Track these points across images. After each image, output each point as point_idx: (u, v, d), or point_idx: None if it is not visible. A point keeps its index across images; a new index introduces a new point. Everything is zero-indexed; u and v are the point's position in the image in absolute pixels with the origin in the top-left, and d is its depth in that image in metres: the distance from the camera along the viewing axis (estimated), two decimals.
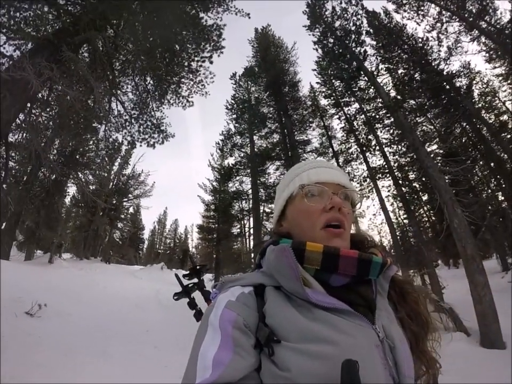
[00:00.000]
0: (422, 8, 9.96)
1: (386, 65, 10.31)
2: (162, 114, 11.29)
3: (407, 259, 10.75)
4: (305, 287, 0.64)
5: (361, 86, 12.47)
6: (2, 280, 8.48)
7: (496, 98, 13.38)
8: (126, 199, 24.74)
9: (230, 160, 19.30)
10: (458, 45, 9.21)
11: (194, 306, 1.68)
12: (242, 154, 18.33)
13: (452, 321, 6.67)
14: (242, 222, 22.60)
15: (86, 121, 10.21)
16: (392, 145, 12.35)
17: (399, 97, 9.57)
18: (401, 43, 9.90)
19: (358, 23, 10.89)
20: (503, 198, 11.89)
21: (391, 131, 12.14)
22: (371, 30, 11.00)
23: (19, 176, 11.99)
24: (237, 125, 18.43)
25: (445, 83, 8.26)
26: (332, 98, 14.75)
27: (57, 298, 8.45)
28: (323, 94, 15.32)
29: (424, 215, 12.43)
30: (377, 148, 12.98)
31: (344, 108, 14.37)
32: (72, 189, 20.10)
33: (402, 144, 11.68)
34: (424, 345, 0.73)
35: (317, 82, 15.39)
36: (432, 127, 11.25)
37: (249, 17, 10.94)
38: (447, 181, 8.87)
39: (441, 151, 10.77)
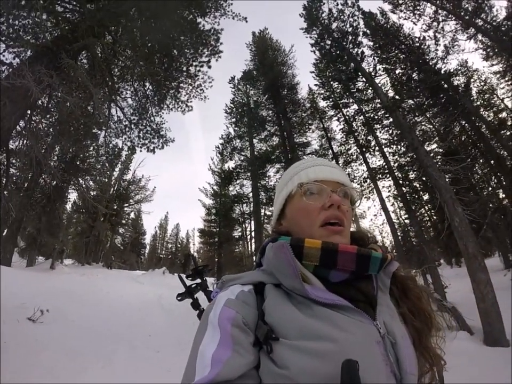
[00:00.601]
0: (418, 7, 10.01)
1: (384, 66, 10.34)
2: (161, 119, 11.37)
3: (409, 259, 10.73)
4: (305, 284, 0.64)
5: (360, 87, 12.50)
6: (4, 287, 8.50)
7: (495, 95, 13.39)
8: (127, 204, 24.77)
9: (230, 164, 19.28)
10: (455, 43, 9.27)
11: (198, 306, 1.69)
12: (242, 158, 18.29)
13: (455, 320, 6.64)
14: (243, 225, 22.62)
15: (86, 128, 10.27)
16: (392, 146, 12.35)
17: (397, 97, 9.59)
18: (398, 43, 9.95)
19: (354, 25, 10.94)
20: (504, 195, 11.87)
21: (390, 131, 12.15)
22: (368, 31, 11.05)
23: (20, 183, 12.02)
24: (236, 128, 18.43)
25: (442, 82, 8.27)
26: (330, 100, 14.75)
27: (59, 304, 8.42)
28: (322, 96, 15.30)
29: (425, 215, 12.42)
30: (377, 148, 12.98)
31: (343, 109, 14.37)
32: (73, 195, 20.16)
33: (402, 144, 11.67)
34: (428, 342, 0.73)
35: (315, 84, 15.39)
36: (431, 126, 11.27)
37: (246, 21, 11.00)
38: (447, 179, 8.88)
39: (440, 150, 10.79)
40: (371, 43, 11.22)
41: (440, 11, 9.86)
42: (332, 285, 0.67)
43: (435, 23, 9.50)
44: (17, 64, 6.53)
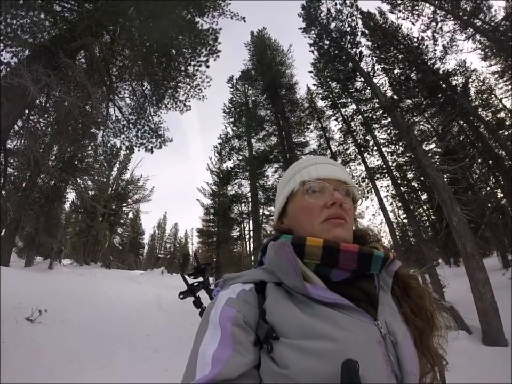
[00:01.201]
0: (417, 7, 10.02)
1: (382, 66, 10.35)
2: (160, 119, 11.37)
3: (407, 258, 10.74)
4: (306, 282, 0.63)
5: (358, 87, 12.52)
6: (2, 287, 8.47)
7: (493, 95, 13.43)
8: (125, 204, 24.74)
9: (229, 164, 19.30)
10: (453, 43, 9.28)
11: (200, 305, 1.69)
12: (240, 158, 18.32)
13: (453, 319, 6.65)
14: (242, 225, 22.63)
15: (84, 127, 10.24)
16: (390, 145, 12.38)
17: (395, 97, 9.61)
18: (396, 43, 9.96)
19: (353, 24, 10.94)
20: (502, 195, 11.87)
21: (389, 131, 12.19)
22: (366, 31, 11.05)
23: (18, 183, 11.97)
24: (234, 128, 18.43)
25: (441, 82, 8.29)
26: (328, 99, 14.79)
27: (57, 304, 8.40)
28: (320, 96, 15.37)
29: (424, 214, 12.43)
30: (375, 148, 13.01)
31: (341, 109, 14.42)
32: (71, 195, 20.05)
33: (400, 144, 11.70)
34: (429, 341, 0.72)
35: (314, 84, 15.45)
36: (429, 126, 11.28)
37: (245, 21, 11.00)
38: (445, 179, 8.89)
39: (439, 150, 10.80)
40: (369, 43, 11.24)
41: (438, 11, 9.88)
42: (333, 284, 0.66)
43: (433, 23, 9.53)
44: (15, 64, 6.51)
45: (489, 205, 10.66)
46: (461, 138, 11.43)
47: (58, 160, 13.84)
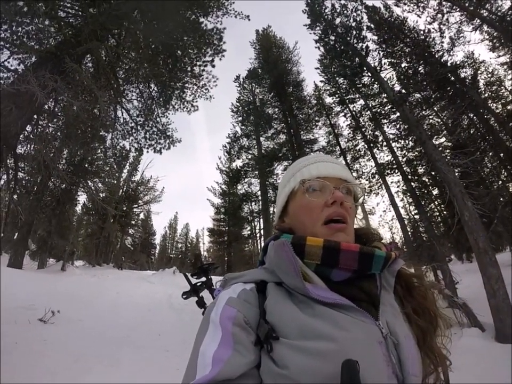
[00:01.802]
0: (422, 0, 9.84)
1: (389, 60, 10.20)
2: (167, 120, 11.42)
3: (419, 255, 10.59)
4: (306, 282, 0.63)
5: (365, 82, 12.37)
6: (16, 289, 8.67)
7: (502, 87, 13.09)
8: (136, 205, 24.96)
9: (238, 163, 19.36)
10: (460, 35, 9.07)
11: (203, 304, 1.69)
12: (249, 156, 18.36)
13: (466, 316, 6.54)
14: (252, 223, 22.66)
15: (93, 130, 10.37)
16: (400, 140, 12.21)
17: (403, 91, 9.46)
18: (403, 36, 9.79)
19: (358, 19, 10.80)
20: None
21: (398, 126, 12.02)
22: (372, 25, 10.89)
23: (29, 187, 12.23)
24: (243, 127, 18.50)
25: (449, 74, 8.12)
26: (336, 96, 14.67)
27: (70, 305, 8.54)
28: (327, 92, 15.25)
29: (435, 210, 12.22)
30: (385, 143, 12.86)
31: (349, 105, 14.28)
32: (82, 197, 20.48)
33: (410, 139, 11.53)
34: (432, 341, 0.71)
35: (321, 81, 15.31)
36: (439, 119, 11.07)
37: (249, 20, 10.99)
38: (456, 173, 8.73)
39: (449, 144, 10.61)
40: (375, 37, 11.07)
41: (444, 2, 9.65)
42: (334, 283, 0.66)
43: (439, 15, 9.32)
44: (22, 70, 6.63)
45: (501, 199, 10.40)
46: (471, 132, 11.18)
47: (69, 164, 14.09)
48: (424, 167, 11.37)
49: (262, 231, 19.99)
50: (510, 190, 11.71)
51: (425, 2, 9.55)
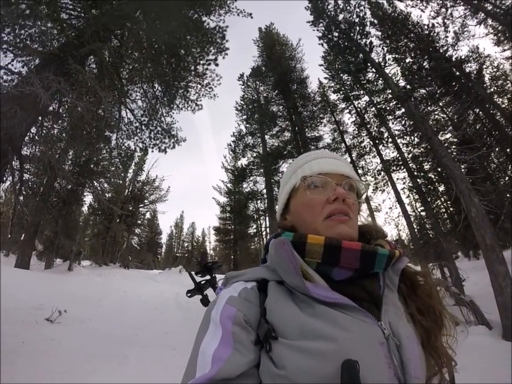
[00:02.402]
0: None
1: (393, 55, 10.09)
2: (172, 119, 11.45)
3: (425, 252, 10.52)
4: (306, 281, 0.62)
5: (370, 78, 12.28)
6: (23, 289, 8.78)
7: (508, 81, 12.87)
8: (142, 205, 25.07)
9: (243, 161, 19.36)
10: (464, 29, 8.88)
11: (207, 302, 1.69)
12: (254, 155, 18.37)
13: (473, 314, 6.47)
14: (258, 221, 22.69)
15: (97, 131, 10.40)
16: (405, 136, 12.13)
17: (408, 87, 9.37)
18: (407, 32, 9.66)
19: (361, 15, 10.69)
20: None
21: (403, 122, 11.93)
22: (375, 21, 10.77)
23: (36, 188, 12.35)
24: (247, 125, 18.51)
25: (454, 69, 8.01)
26: (341, 92, 14.62)
27: (77, 304, 8.64)
28: (332, 89, 15.21)
29: (442, 206, 12.09)
30: (390, 140, 12.79)
31: (354, 101, 14.23)
32: (88, 198, 20.61)
33: (415, 135, 11.43)
34: (437, 341, 0.69)
35: (325, 78, 15.27)
36: (444, 115, 10.95)
37: (252, 17, 10.98)
38: (462, 169, 8.62)
39: (455, 140, 10.50)
40: (379, 33, 10.96)
41: None
42: (335, 282, 0.65)
43: (443, 9, 9.14)
44: (25, 73, 6.68)
45: (508, 195, 10.25)
46: (477, 127, 11.01)
47: (75, 164, 14.18)
48: (430, 163, 11.27)
49: (267, 229, 20.01)
50: None
51: None
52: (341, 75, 13.72)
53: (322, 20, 12.21)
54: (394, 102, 11.42)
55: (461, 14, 8.93)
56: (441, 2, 8.89)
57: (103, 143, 12.13)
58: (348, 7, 10.97)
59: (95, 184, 15.23)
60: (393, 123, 12.46)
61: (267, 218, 20.22)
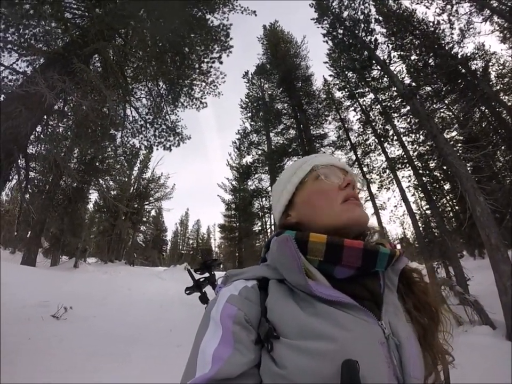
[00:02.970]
0: None
1: (398, 53, 9.98)
2: (177, 117, 11.44)
3: (430, 250, 10.45)
4: (308, 279, 0.62)
5: (375, 76, 12.20)
6: (29, 286, 8.89)
7: None
8: (147, 202, 25.24)
9: (248, 159, 19.36)
10: (470, 26, 8.72)
11: (206, 300, 1.70)
12: (259, 152, 18.36)
13: (477, 314, 6.44)
14: (263, 219, 22.71)
15: (102, 129, 10.44)
16: (410, 134, 12.05)
17: (413, 84, 9.29)
18: (412, 29, 9.55)
19: (366, 12, 10.55)
20: None
21: (408, 120, 11.84)
22: (380, 18, 10.64)
23: (41, 186, 12.45)
24: (252, 123, 18.47)
25: (460, 67, 7.91)
26: (346, 90, 14.54)
27: (82, 301, 8.73)
28: (337, 87, 15.12)
29: (447, 205, 11.98)
30: (395, 137, 12.70)
31: (359, 99, 14.15)
32: (94, 195, 20.74)
33: (421, 133, 11.34)
34: (434, 338, 0.71)
35: (330, 75, 15.17)
36: (450, 113, 10.82)
37: (256, 15, 10.95)
38: (468, 168, 8.54)
39: (461, 138, 10.39)
40: (384, 30, 10.83)
41: None
42: (337, 281, 0.65)
43: (449, 6, 8.99)
44: (30, 72, 6.73)
45: None
46: (483, 125, 10.88)
47: (80, 162, 14.26)
48: (435, 161, 11.18)
49: (272, 227, 20.03)
50: None
51: None
52: (346, 72, 13.66)
53: (326, 17, 12.13)
54: (399, 100, 11.33)
55: (466, 11, 8.79)
56: None
57: (108, 141, 12.19)
58: (353, 4, 10.87)
59: (101, 181, 15.37)
60: (398, 121, 12.38)
61: (272, 216, 20.23)
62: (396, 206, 13.07)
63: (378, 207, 13.80)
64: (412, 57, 9.41)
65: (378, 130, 13.68)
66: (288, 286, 0.66)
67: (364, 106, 14.21)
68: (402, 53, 9.78)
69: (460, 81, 8.15)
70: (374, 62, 11.04)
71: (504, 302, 6.00)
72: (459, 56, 7.91)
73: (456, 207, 12.22)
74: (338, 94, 15.84)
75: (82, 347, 5.76)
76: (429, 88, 9.64)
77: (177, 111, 11.43)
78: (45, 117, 7.82)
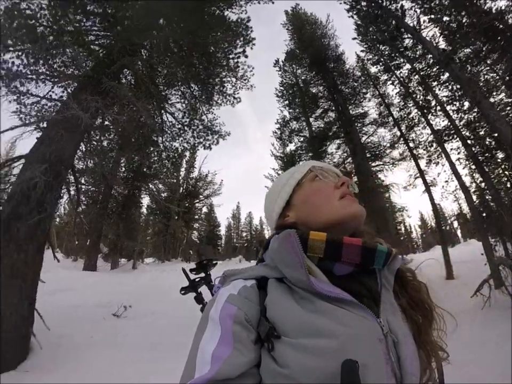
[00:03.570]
0: None
1: (428, 17, 9.16)
2: (214, 116, 11.61)
3: (486, 227, 9.64)
4: (310, 276, 0.63)
5: (407, 45, 11.36)
6: (92, 289, 9.74)
7: None
8: (197, 201, 26.13)
9: (291, 147, 19.14)
10: None
11: (201, 300, 1.74)
12: (301, 139, 18.05)
13: None
14: None
15: (144, 137, 10.90)
16: (454, 102, 11.08)
17: (449, 48, 8.53)
18: None
19: None
20: None
21: (450, 87, 10.90)
22: None
23: (95, 197, 13.52)
24: (290, 110, 18.14)
25: (496, 23, 7.09)
26: (380, 64, 13.72)
27: (141, 299, 9.26)
28: (371, 62, 14.31)
29: (503, 175, 10.85)
30: (439, 107, 11.80)
31: (395, 71, 13.27)
32: (145, 200, 21.97)
33: (465, 99, 10.40)
34: (428, 335, 0.72)
35: (362, 51, 14.33)
36: (494, 74, 9.73)
37: (273, 3, 10.73)
38: None
39: (509, 100, 9.33)
40: None
41: None
42: (336, 278, 0.66)
43: None
44: (65, 97, 7.31)
45: None
46: None
47: (128, 171, 15.17)
48: (484, 129, 10.20)
49: None
50: None
51: None
52: (378, 46, 12.86)
53: None
54: (437, 67, 10.45)
55: None
56: None
57: (152, 146, 12.76)
58: None
59: (150, 186, 16.20)
60: (440, 89, 11.43)
61: None
62: (446, 181, 12.17)
63: (429, 184, 12.96)
64: (444, 19, 8.59)
65: (420, 102, 12.78)
66: (287, 285, 0.66)
67: (401, 79, 13.33)
68: (432, 16, 8.96)
69: (499, 38, 7.30)
70: (403, 30, 10.29)
71: None
72: (493, 11, 7.09)
73: None
74: (373, 69, 15.00)
75: (142, 343, 6.15)
76: (468, 50, 8.76)
77: (213, 109, 11.61)
78: (86, 134, 8.43)
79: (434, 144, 12.71)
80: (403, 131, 13.86)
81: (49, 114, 7.39)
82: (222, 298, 0.65)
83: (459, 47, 8.39)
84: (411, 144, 13.60)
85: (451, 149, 11.64)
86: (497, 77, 9.51)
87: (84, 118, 6.55)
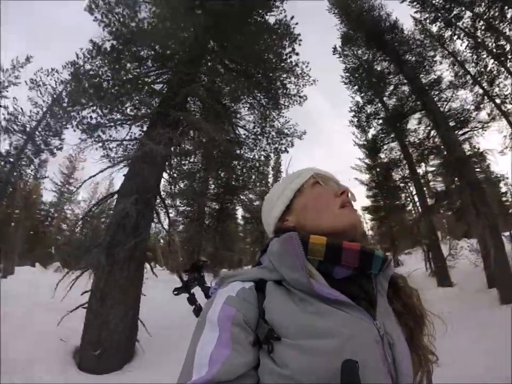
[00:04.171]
0: None
1: None
2: (285, 119, 11.60)
3: None
4: (310, 278, 0.63)
5: None
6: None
7: None
8: None
9: (372, 132, 18.06)
10: None
11: (194, 302, 1.87)
12: (380, 122, 16.95)
13: None
14: (406, 189, 20.72)
15: (225, 153, 11.16)
16: None
17: None
18: None
19: None
20: None
21: None
22: None
23: (191, 215, 14.87)
24: (362, 95, 17.24)
25: None
26: (439, 20, 12.13)
27: None
28: (428, 20, 12.73)
29: None
30: None
31: (457, 23, 11.57)
32: (240, 211, 22.90)
33: None
34: (419, 340, 0.75)
35: (415, 12, 12.86)
36: None
37: None
38: None
39: None
40: None
41: None
42: (334, 281, 0.67)
43: None
44: (141, 136, 8.33)
45: None
46: None
47: (218, 186, 16.19)
48: None
49: (415, 197, 18.03)
50: None
51: None
52: (431, 0, 11.43)
53: None
54: (499, 4, 8.80)
55: None
56: None
57: (235, 160, 13.24)
58: None
59: (242, 197, 17.02)
60: (510, 29, 9.61)
61: (412, 186, 18.24)
62: None
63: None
64: None
65: (494, 50, 10.87)
66: (286, 287, 0.66)
67: (467, 30, 11.53)
68: None
69: None
70: None
71: None
72: None
73: None
74: (434, 29, 13.19)
75: None
76: None
77: (283, 113, 11.64)
78: (167, 163, 9.33)
79: None
80: (485, 88, 11.90)
81: (132, 153, 8.48)
82: (220, 299, 0.64)
83: None
84: (497, 101, 11.60)
85: None
86: None
87: (158, 150, 7.19)
